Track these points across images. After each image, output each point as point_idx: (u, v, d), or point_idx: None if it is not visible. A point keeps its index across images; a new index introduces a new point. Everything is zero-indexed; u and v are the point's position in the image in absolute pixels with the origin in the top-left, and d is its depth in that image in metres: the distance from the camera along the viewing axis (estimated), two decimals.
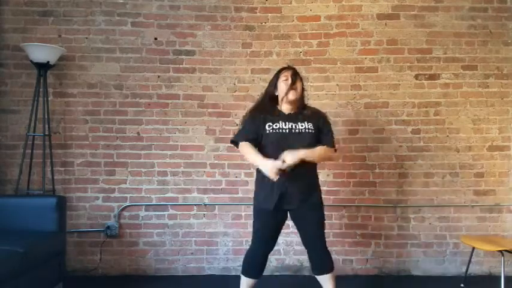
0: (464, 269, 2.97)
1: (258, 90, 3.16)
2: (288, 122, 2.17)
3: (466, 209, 3.14)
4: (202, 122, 3.17)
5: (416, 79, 3.18)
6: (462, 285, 2.87)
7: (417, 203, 3.15)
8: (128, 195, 3.15)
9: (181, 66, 3.18)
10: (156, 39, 3.18)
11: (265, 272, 3.12)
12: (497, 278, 2.72)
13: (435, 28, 3.18)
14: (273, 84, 2.26)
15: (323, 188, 3.15)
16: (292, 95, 2.18)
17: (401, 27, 3.19)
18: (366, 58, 3.18)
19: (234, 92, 3.19)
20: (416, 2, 3.19)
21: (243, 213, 3.14)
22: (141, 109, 3.17)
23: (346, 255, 3.15)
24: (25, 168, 2.98)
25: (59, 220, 2.53)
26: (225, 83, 3.19)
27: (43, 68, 2.91)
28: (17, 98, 3.12)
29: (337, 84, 3.19)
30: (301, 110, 2.25)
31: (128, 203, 3.14)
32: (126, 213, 3.15)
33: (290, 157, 2.02)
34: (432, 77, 3.17)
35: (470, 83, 3.17)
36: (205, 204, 3.14)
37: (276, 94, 2.25)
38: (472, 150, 3.15)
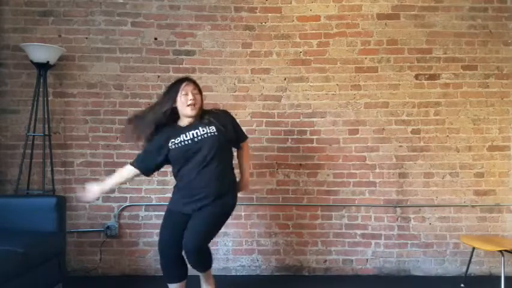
0: (464, 269, 2.97)
1: (258, 90, 3.17)
2: (189, 132, 2.15)
3: (466, 209, 3.14)
4: None
5: (416, 79, 3.18)
6: (462, 285, 2.87)
7: (417, 203, 3.15)
8: (128, 195, 3.15)
9: (181, 66, 3.18)
10: (156, 39, 3.18)
11: (265, 272, 3.14)
12: (497, 278, 2.72)
13: (435, 28, 3.18)
14: (172, 98, 2.18)
15: (323, 188, 3.18)
16: (191, 111, 2.16)
17: (401, 27, 3.19)
18: (366, 58, 3.18)
19: (234, 92, 3.19)
20: (416, 2, 3.19)
21: (242, 213, 3.14)
22: (141, 109, 3.16)
23: (346, 255, 3.15)
24: (25, 168, 2.98)
25: (58, 220, 2.52)
26: (225, 83, 3.18)
27: (43, 68, 2.91)
28: (17, 98, 3.12)
29: (337, 84, 3.19)
30: (201, 118, 2.22)
31: (127, 203, 3.14)
32: (126, 213, 3.15)
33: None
34: (432, 77, 3.17)
35: (470, 83, 3.17)
36: None
37: (174, 106, 2.20)
38: (472, 150, 3.15)
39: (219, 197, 2.14)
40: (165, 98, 2.21)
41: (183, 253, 2.16)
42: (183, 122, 2.22)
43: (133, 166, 2.25)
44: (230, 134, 2.24)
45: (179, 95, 2.17)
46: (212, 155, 2.11)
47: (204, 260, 2.21)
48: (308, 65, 3.18)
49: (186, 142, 2.14)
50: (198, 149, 2.12)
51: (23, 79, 3.13)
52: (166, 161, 2.23)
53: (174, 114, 2.23)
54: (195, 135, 2.14)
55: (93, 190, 2.21)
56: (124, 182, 2.42)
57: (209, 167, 2.12)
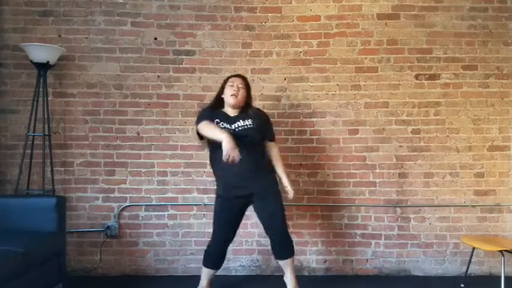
0: (464, 269, 2.97)
1: (258, 90, 3.17)
2: (230, 123, 2.43)
3: (466, 209, 3.14)
4: None
5: (417, 79, 3.18)
6: (462, 285, 2.87)
7: (417, 203, 3.15)
8: (128, 196, 3.14)
9: (181, 66, 3.18)
10: (156, 39, 3.18)
11: (266, 272, 3.14)
12: (497, 278, 2.72)
13: (435, 28, 3.18)
14: (221, 87, 2.54)
15: (323, 188, 3.18)
16: (232, 100, 2.45)
17: (401, 27, 3.19)
18: (366, 58, 3.18)
19: None
20: (416, 2, 3.19)
21: None
22: (141, 109, 3.17)
23: (346, 255, 3.15)
24: (25, 168, 2.98)
25: (58, 220, 2.52)
26: None
27: (43, 68, 2.91)
28: (17, 98, 3.12)
29: (337, 84, 3.18)
30: (243, 111, 2.50)
31: (127, 203, 3.14)
32: (126, 214, 3.15)
33: (228, 149, 2.19)
34: (432, 77, 3.17)
35: (471, 83, 3.17)
36: (205, 204, 3.14)
37: (222, 96, 2.52)
38: (472, 150, 3.15)
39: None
40: (219, 91, 2.55)
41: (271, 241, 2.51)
42: (228, 111, 2.50)
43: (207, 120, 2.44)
44: (263, 128, 2.51)
45: (226, 85, 2.49)
46: (247, 147, 2.31)
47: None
48: (308, 65, 3.18)
49: (228, 130, 2.37)
50: (239, 137, 2.30)
51: (23, 79, 3.13)
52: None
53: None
54: (236, 127, 2.42)
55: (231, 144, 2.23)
56: None
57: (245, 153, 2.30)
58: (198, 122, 2.45)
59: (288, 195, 2.57)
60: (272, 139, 2.63)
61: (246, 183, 2.41)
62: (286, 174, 2.61)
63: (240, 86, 2.47)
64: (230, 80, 2.51)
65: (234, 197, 2.44)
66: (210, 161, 2.59)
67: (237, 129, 2.41)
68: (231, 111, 2.51)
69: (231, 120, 2.46)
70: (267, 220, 2.48)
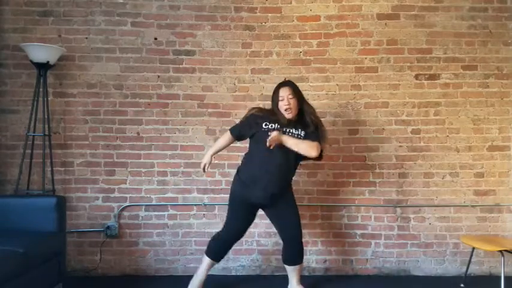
0: (464, 269, 2.97)
1: (258, 90, 3.17)
2: (281, 126, 2.45)
3: (466, 209, 3.14)
4: (202, 122, 3.17)
5: (416, 79, 3.18)
6: (462, 285, 2.87)
7: (417, 203, 3.15)
8: (128, 195, 3.15)
9: (181, 66, 3.18)
10: (156, 39, 3.18)
11: (265, 272, 3.14)
12: (497, 278, 2.72)
13: (435, 28, 3.18)
14: (274, 103, 2.52)
15: (323, 188, 3.18)
16: (288, 115, 2.46)
17: (401, 27, 3.19)
18: (366, 58, 3.18)
19: (234, 92, 3.19)
20: (416, 2, 3.19)
21: None
22: (141, 109, 3.17)
23: (346, 255, 3.15)
24: (25, 168, 2.98)
25: (58, 220, 2.52)
26: (225, 83, 3.19)
27: (43, 68, 2.91)
28: (17, 98, 3.12)
29: (337, 84, 3.19)
30: (299, 119, 2.50)
31: (127, 203, 3.14)
32: (126, 214, 3.15)
33: (274, 134, 2.32)
34: (432, 77, 3.17)
35: (470, 83, 3.17)
36: (205, 204, 3.14)
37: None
38: (472, 150, 3.15)
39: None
40: (272, 103, 2.54)
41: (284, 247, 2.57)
42: (283, 116, 2.49)
43: (235, 135, 2.58)
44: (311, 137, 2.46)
45: (278, 99, 2.48)
46: (284, 156, 2.42)
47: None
48: (308, 65, 3.18)
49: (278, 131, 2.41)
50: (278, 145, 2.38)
51: (23, 79, 3.13)
52: (251, 136, 2.54)
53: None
54: (287, 131, 2.44)
55: (206, 158, 2.58)
56: (225, 146, 2.65)
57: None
58: (235, 126, 2.61)
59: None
60: (314, 140, 2.45)
61: (265, 195, 2.43)
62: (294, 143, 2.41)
63: (289, 97, 2.45)
64: (280, 94, 2.47)
65: (249, 202, 2.49)
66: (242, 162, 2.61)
67: (286, 132, 2.43)
68: (285, 119, 2.48)
69: (282, 124, 2.45)
70: (283, 228, 2.54)
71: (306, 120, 2.49)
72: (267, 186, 2.40)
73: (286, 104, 2.44)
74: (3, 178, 3.10)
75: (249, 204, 2.50)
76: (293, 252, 2.54)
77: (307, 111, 2.51)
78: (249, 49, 3.19)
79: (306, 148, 2.38)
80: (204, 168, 2.58)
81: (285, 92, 2.46)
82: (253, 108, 2.62)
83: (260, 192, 2.41)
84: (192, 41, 3.19)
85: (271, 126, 2.45)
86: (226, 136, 2.61)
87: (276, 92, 2.52)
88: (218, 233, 2.62)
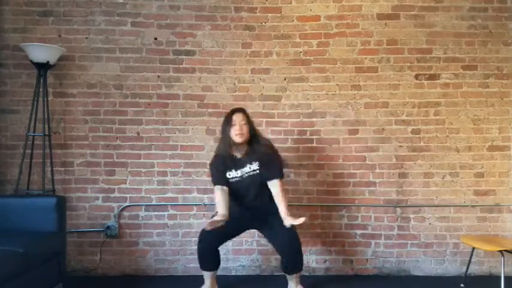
0: (464, 269, 2.97)
1: (258, 90, 3.17)
2: (238, 170, 2.53)
3: (466, 209, 3.14)
4: (202, 122, 3.18)
5: (416, 79, 3.18)
6: (462, 285, 2.87)
7: (417, 203, 3.15)
8: (128, 195, 3.15)
9: (181, 66, 3.18)
10: (156, 39, 3.18)
11: (265, 272, 3.14)
12: (497, 278, 2.72)
13: (435, 28, 3.18)
14: (226, 130, 2.54)
15: (323, 188, 3.18)
16: (239, 139, 2.49)
17: (401, 27, 3.19)
18: (366, 58, 3.18)
19: (234, 92, 3.19)
20: (416, 2, 3.19)
21: None
22: (141, 109, 3.17)
23: (346, 255, 3.15)
24: (25, 168, 2.98)
25: (58, 220, 2.52)
26: (225, 83, 3.19)
27: (43, 68, 2.91)
28: (17, 98, 3.12)
29: (337, 84, 3.19)
30: (250, 151, 2.55)
31: (127, 203, 3.14)
32: (126, 214, 3.15)
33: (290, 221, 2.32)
34: (432, 77, 3.17)
35: (470, 83, 3.17)
36: (205, 204, 3.14)
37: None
38: (472, 150, 3.15)
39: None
40: (224, 131, 2.56)
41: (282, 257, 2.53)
42: (235, 150, 2.55)
43: (220, 185, 2.50)
44: (270, 169, 2.53)
45: (229, 125, 2.51)
46: (255, 191, 2.53)
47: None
48: (308, 65, 3.18)
49: (237, 179, 2.52)
50: (247, 184, 2.52)
51: (23, 79, 3.13)
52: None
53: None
54: (243, 174, 2.53)
55: (218, 220, 2.29)
56: (226, 197, 2.48)
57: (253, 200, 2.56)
58: (212, 180, 2.57)
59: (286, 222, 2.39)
60: (279, 177, 2.53)
61: (254, 222, 2.59)
62: (288, 211, 2.43)
63: (242, 123, 2.50)
64: (232, 119, 2.51)
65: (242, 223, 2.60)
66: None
67: (244, 176, 2.52)
68: (238, 150, 2.54)
69: (238, 165, 2.53)
70: (280, 246, 2.50)
71: (259, 151, 2.54)
72: (253, 212, 2.56)
73: (238, 129, 2.48)
74: (3, 178, 3.10)
75: (241, 225, 2.61)
76: (292, 264, 2.53)
77: (259, 141, 2.57)
78: (249, 49, 3.19)
79: (284, 196, 2.50)
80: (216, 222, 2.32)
81: (238, 118, 2.51)
82: (211, 160, 2.61)
83: (249, 217, 2.57)
84: (192, 41, 3.19)
85: (230, 175, 2.52)
86: (217, 190, 2.49)
87: (227, 118, 2.55)
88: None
